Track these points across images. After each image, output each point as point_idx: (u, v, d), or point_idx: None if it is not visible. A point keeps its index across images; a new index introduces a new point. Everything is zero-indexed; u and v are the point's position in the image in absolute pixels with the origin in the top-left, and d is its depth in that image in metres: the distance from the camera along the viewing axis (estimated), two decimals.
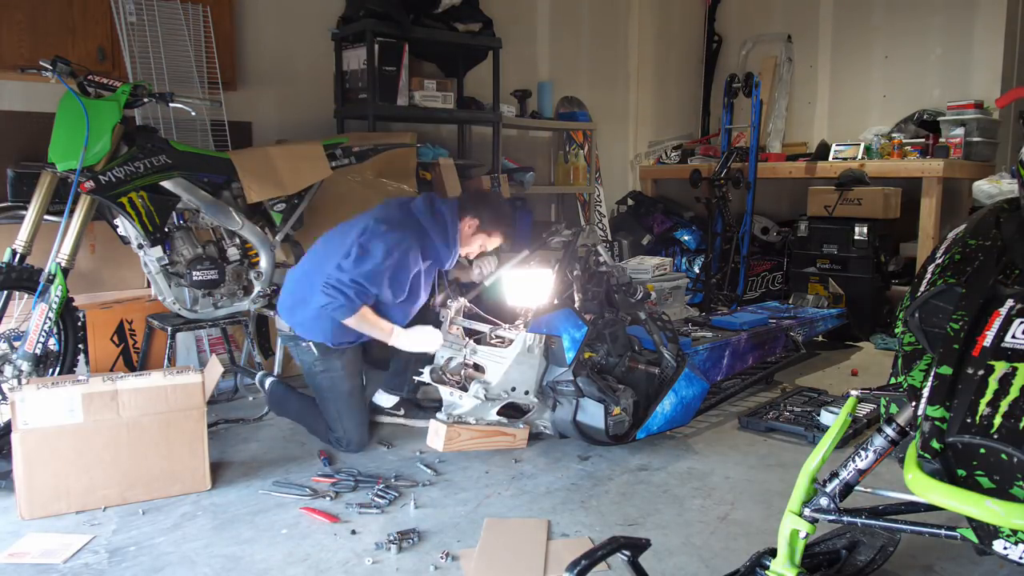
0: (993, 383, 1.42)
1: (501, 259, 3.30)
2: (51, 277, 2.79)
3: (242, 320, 3.44)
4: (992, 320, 1.51)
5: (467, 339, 2.98)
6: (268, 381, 3.16)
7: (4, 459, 2.58)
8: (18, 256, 2.80)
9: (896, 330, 1.79)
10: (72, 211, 2.84)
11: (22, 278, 2.79)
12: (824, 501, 1.62)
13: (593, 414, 2.75)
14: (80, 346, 3.05)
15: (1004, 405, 1.38)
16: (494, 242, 3.06)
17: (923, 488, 1.42)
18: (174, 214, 3.22)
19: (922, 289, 1.73)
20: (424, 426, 2.90)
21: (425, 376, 2.91)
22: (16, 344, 2.79)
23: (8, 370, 2.75)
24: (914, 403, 1.57)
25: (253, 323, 3.51)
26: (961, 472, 1.42)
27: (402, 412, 3.18)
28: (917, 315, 1.71)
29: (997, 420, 1.37)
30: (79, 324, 3.04)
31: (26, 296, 2.96)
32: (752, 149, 5.41)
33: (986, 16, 5.04)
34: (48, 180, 2.86)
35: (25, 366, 2.74)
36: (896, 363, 1.75)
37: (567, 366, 2.75)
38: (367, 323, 2.77)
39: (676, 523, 2.31)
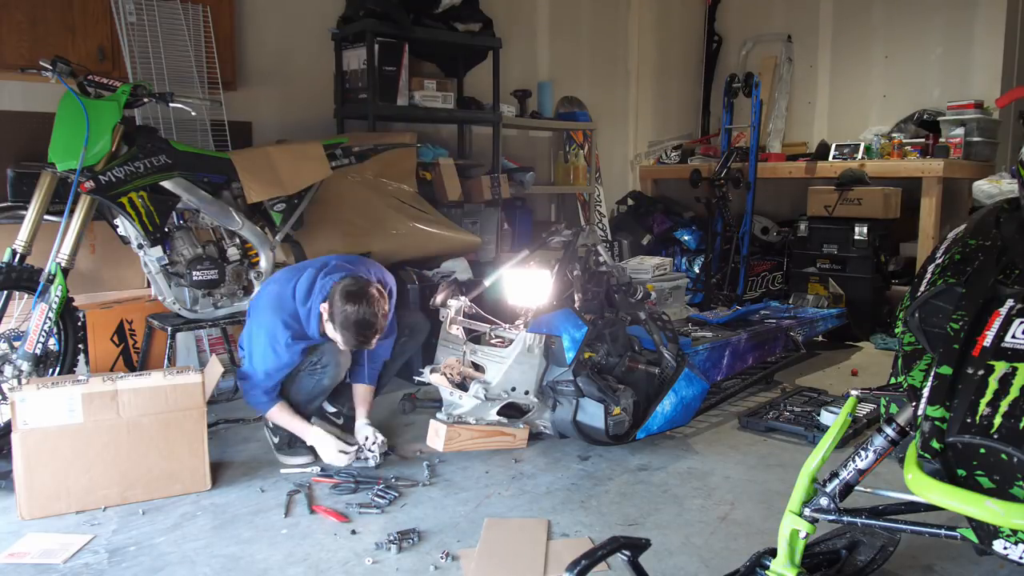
0: (993, 383, 1.42)
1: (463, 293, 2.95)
2: (51, 277, 2.79)
3: (242, 320, 3.44)
4: (992, 320, 1.51)
5: (467, 339, 2.98)
6: None
7: (4, 459, 2.58)
8: (18, 256, 2.80)
9: (896, 330, 1.79)
10: (72, 211, 2.84)
11: (22, 278, 2.79)
12: (824, 501, 1.62)
13: (593, 414, 2.75)
14: (80, 346, 3.05)
15: (1004, 405, 1.38)
16: (337, 340, 2.59)
17: (923, 488, 1.42)
18: (174, 214, 3.22)
19: (922, 289, 1.73)
20: (297, 463, 2.72)
21: (425, 376, 2.91)
22: (16, 344, 2.79)
23: (8, 370, 2.75)
24: (914, 403, 1.57)
25: None
26: (961, 472, 1.42)
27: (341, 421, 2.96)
28: (917, 315, 1.71)
29: (997, 420, 1.37)
30: (79, 324, 3.04)
31: (26, 296, 2.96)
32: (752, 149, 5.40)
33: (986, 16, 5.04)
34: (48, 180, 2.86)
35: (25, 366, 2.74)
36: (896, 363, 1.75)
37: (567, 366, 2.75)
38: (284, 418, 2.70)
39: (676, 523, 2.31)
